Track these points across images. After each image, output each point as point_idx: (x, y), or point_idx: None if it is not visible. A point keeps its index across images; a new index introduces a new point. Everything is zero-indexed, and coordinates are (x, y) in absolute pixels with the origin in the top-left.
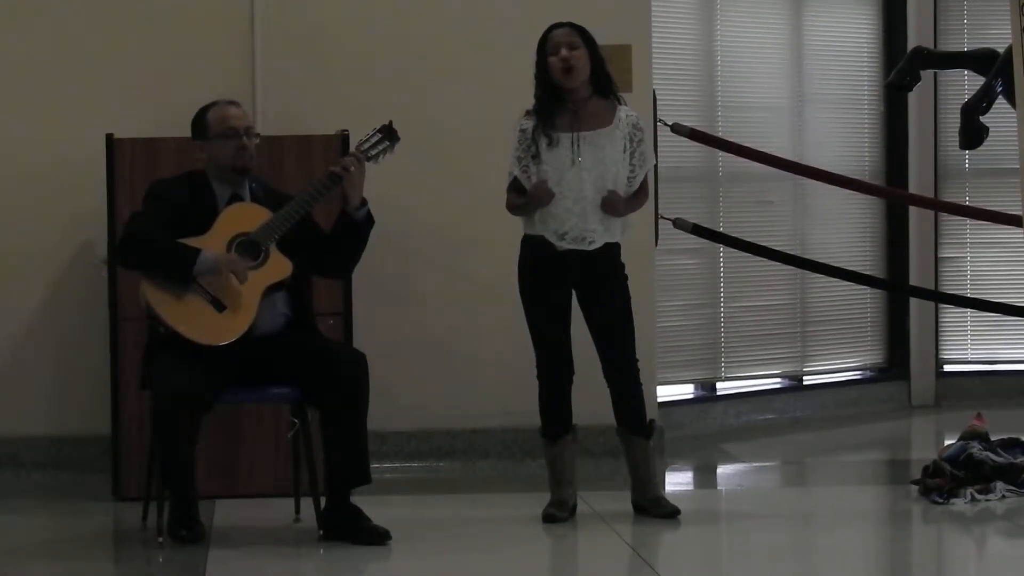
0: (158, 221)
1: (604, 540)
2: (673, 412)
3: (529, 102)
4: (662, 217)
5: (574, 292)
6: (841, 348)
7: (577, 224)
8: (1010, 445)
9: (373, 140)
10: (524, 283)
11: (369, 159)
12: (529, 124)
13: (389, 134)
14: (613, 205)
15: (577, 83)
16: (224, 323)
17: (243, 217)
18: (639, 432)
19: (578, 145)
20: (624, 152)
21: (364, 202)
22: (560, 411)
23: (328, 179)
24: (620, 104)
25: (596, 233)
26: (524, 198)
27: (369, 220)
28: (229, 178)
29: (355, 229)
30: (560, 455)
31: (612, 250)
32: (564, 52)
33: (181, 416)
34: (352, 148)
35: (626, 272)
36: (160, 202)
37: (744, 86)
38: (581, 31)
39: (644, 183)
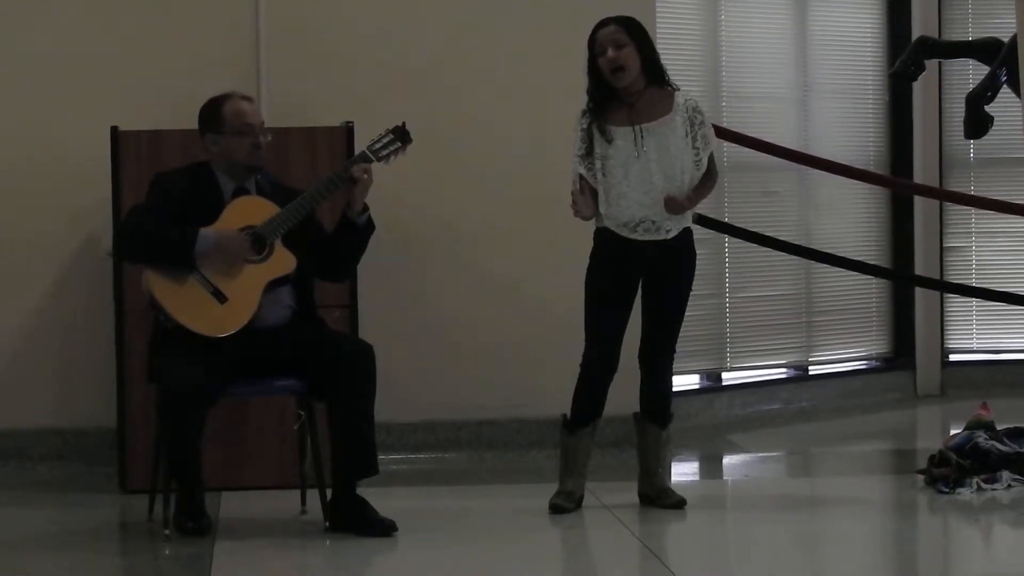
0: (158, 212)
1: (611, 531)
2: (679, 402)
3: (539, 97)
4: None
5: (641, 280)
6: (847, 338)
7: (649, 215)
8: (1016, 434)
9: (384, 141)
10: (593, 277)
11: (379, 160)
12: (587, 122)
13: (402, 136)
14: (678, 206)
15: (627, 82)
16: (226, 315)
17: (250, 210)
18: (657, 420)
19: (641, 137)
20: (687, 137)
21: (365, 207)
22: (594, 404)
23: (337, 177)
24: (676, 90)
25: (671, 221)
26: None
27: (370, 225)
28: (238, 173)
29: (355, 234)
30: (576, 445)
31: (687, 236)
32: (611, 52)
33: (188, 409)
34: (364, 148)
35: (696, 260)
36: (162, 193)
37: (748, 76)
38: (627, 26)
39: (712, 163)
